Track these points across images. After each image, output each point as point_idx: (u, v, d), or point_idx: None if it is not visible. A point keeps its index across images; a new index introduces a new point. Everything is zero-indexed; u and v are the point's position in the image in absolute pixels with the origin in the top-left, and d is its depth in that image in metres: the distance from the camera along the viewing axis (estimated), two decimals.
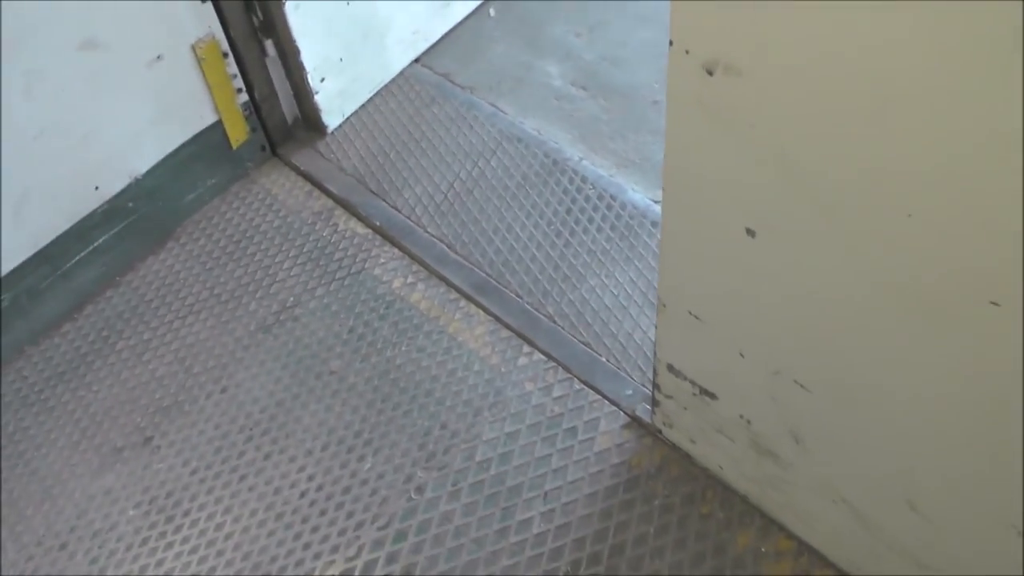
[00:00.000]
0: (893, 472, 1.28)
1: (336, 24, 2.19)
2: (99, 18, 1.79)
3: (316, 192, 2.25)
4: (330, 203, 2.22)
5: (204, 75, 2.03)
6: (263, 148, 2.28)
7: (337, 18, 2.18)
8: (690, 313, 1.40)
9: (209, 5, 1.98)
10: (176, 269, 2.13)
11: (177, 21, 1.94)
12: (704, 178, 1.18)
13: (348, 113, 2.36)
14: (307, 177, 2.27)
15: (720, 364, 1.44)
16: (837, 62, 0.88)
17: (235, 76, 2.10)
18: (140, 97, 1.95)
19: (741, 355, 1.37)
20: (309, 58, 2.16)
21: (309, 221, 2.19)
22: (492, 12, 2.63)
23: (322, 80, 2.22)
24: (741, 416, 1.48)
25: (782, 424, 1.40)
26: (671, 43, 1.05)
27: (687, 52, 1.04)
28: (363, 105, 2.39)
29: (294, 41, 2.10)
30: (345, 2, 2.18)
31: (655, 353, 1.57)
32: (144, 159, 2.02)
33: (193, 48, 1.98)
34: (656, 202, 2.13)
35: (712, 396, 1.52)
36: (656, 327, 1.52)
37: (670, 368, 1.56)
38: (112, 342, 2.01)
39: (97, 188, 1.95)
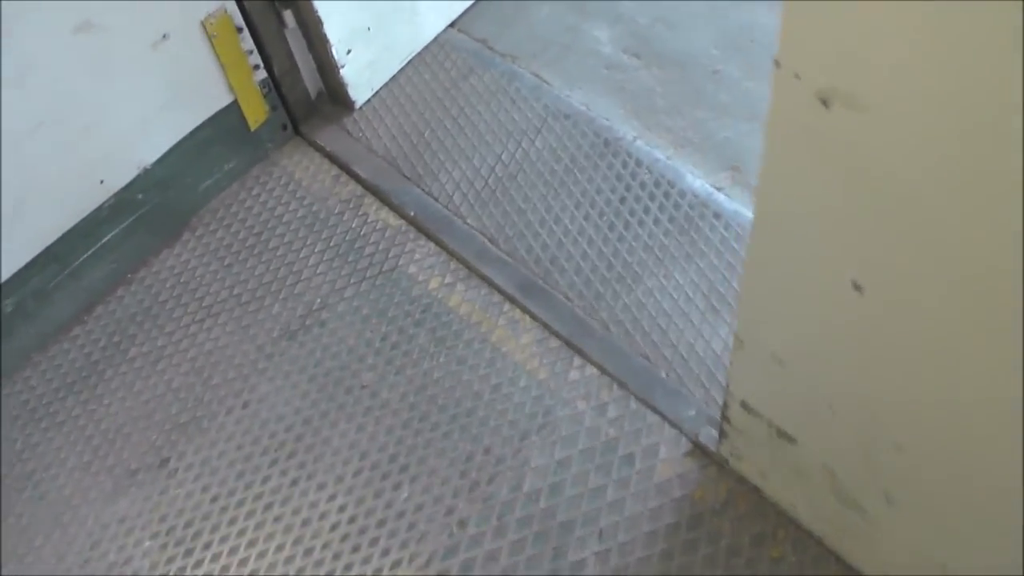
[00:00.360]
0: (1006, 552, 1.09)
1: None
2: None
3: (343, 176, 2.05)
4: (359, 189, 2.02)
5: (216, 53, 1.82)
6: (284, 127, 2.08)
7: None
8: (773, 356, 1.21)
9: None
10: (192, 265, 1.95)
11: None
12: (806, 220, 0.98)
13: (377, 87, 2.15)
14: (333, 159, 2.07)
15: (805, 412, 1.25)
16: (993, 101, 0.67)
17: (251, 52, 1.89)
18: (146, 81, 1.75)
19: (830, 408, 1.18)
20: (333, 29, 1.93)
21: (336, 210, 2.00)
22: None
23: (348, 52, 2.00)
24: (824, 465, 1.30)
25: (873, 482, 1.22)
26: (777, 63, 0.85)
27: (797, 77, 0.84)
28: (394, 77, 2.17)
29: (316, 11, 1.88)
30: None
31: (727, 386, 1.38)
32: (153, 148, 1.83)
33: (203, 24, 1.77)
34: (718, 189, 1.92)
35: (791, 440, 1.33)
36: (730, 362, 1.33)
37: (743, 405, 1.37)
38: (124, 348, 1.85)
39: (102, 182, 1.77)
